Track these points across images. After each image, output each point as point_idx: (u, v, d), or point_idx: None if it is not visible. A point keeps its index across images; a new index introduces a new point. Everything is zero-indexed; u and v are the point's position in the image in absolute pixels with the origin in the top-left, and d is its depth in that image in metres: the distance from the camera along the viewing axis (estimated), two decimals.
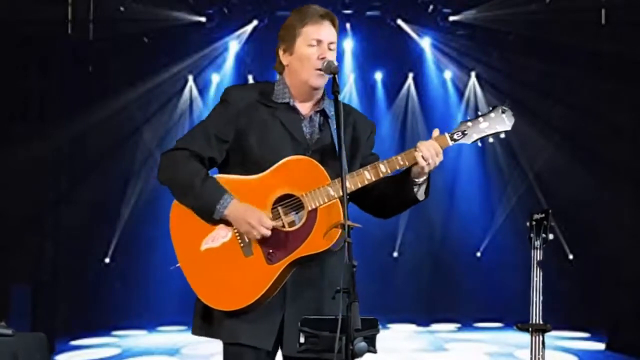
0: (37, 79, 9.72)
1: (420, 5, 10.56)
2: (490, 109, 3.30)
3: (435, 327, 11.38)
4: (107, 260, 11.36)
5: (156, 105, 11.33)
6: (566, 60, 10.54)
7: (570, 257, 11.27)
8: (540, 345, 3.49)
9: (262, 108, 3.32)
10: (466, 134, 3.24)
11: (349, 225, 2.98)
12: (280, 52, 3.41)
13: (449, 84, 11.81)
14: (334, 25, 3.35)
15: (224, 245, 3.23)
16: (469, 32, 10.90)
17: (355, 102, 11.41)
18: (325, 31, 3.32)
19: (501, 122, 3.27)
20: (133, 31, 10.32)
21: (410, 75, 11.84)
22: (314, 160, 3.21)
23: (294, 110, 3.34)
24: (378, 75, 11.84)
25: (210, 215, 3.20)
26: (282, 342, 3.24)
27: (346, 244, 2.91)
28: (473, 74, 11.54)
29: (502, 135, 3.29)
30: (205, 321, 3.29)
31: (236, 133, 3.29)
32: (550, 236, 3.58)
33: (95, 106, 10.54)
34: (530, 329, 3.50)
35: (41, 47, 9.69)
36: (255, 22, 10.71)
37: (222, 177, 3.29)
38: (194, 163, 3.26)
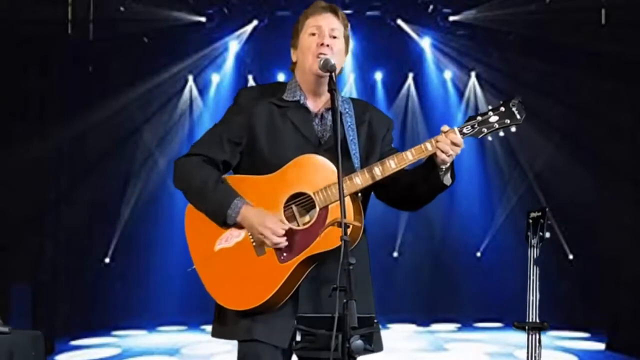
0: (37, 79, 9.71)
1: (420, 5, 10.56)
2: (501, 102, 3.28)
3: (435, 327, 11.38)
4: (107, 260, 11.37)
5: (156, 105, 11.34)
6: (566, 60, 10.53)
7: (570, 257, 11.28)
8: (537, 343, 3.50)
9: (274, 108, 3.33)
10: (476, 128, 3.21)
11: (346, 224, 2.96)
12: (292, 51, 3.42)
13: (449, 84, 11.82)
14: (337, 15, 3.35)
15: (237, 245, 3.24)
16: (469, 32, 10.90)
17: None
18: (325, 20, 3.33)
19: (512, 116, 3.24)
20: (133, 31, 10.32)
21: (410, 75, 11.86)
22: (325, 158, 3.20)
23: (305, 108, 3.34)
24: (378, 75, 11.86)
25: (224, 221, 3.23)
26: None
27: (342, 242, 2.90)
28: (473, 74, 11.55)
29: (513, 129, 3.25)
30: (221, 323, 3.31)
31: (248, 135, 3.30)
32: (547, 234, 3.58)
33: (95, 106, 10.54)
34: (527, 327, 3.51)
35: (41, 47, 9.68)
36: (255, 22, 10.71)
37: (234, 177, 3.31)
38: (207, 168, 3.28)
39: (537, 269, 3.55)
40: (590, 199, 10.38)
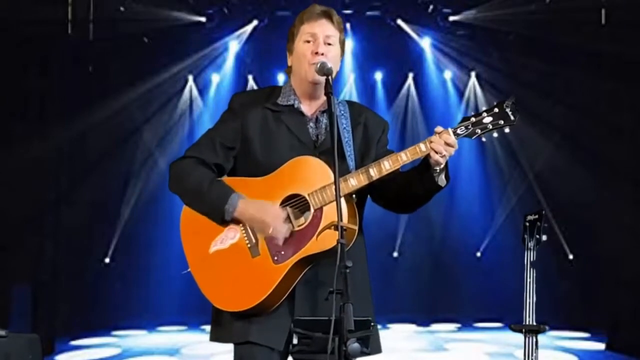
0: (37, 79, 9.71)
1: (420, 5, 10.56)
2: (495, 104, 3.28)
3: (435, 327, 11.38)
4: (107, 260, 11.36)
5: (156, 105, 11.33)
6: (566, 60, 10.53)
7: (570, 257, 11.27)
8: (534, 346, 3.50)
9: (268, 113, 3.34)
10: (470, 129, 3.20)
11: (342, 227, 2.95)
12: (288, 55, 3.43)
13: (449, 84, 11.82)
14: (332, 21, 3.34)
15: (232, 247, 3.25)
16: (469, 32, 10.90)
17: None
18: (320, 27, 3.32)
19: (505, 117, 3.22)
20: (133, 31, 10.31)
21: (410, 75, 11.85)
22: (319, 159, 3.21)
23: (299, 112, 3.34)
24: (378, 75, 11.85)
25: (222, 218, 3.23)
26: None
27: (339, 245, 2.89)
28: (473, 74, 11.55)
29: (507, 130, 3.24)
30: (218, 326, 3.32)
31: (242, 140, 3.32)
32: (544, 237, 3.58)
33: (95, 106, 10.54)
34: (523, 330, 3.51)
35: (41, 47, 9.68)
36: (255, 22, 10.71)
37: (229, 179, 3.33)
38: (202, 169, 3.30)
39: (534, 271, 3.56)
40: (590, 199, 10.37)
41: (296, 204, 3.21)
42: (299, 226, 3.19)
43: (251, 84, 11.31)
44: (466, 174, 12.02)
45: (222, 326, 3.29)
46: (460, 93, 11.74)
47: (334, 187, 3.09)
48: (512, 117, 3.22)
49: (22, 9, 9.08)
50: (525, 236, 3.60)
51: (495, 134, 3.25)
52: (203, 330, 10.08)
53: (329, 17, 3.35)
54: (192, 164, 3.31)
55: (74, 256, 10.60)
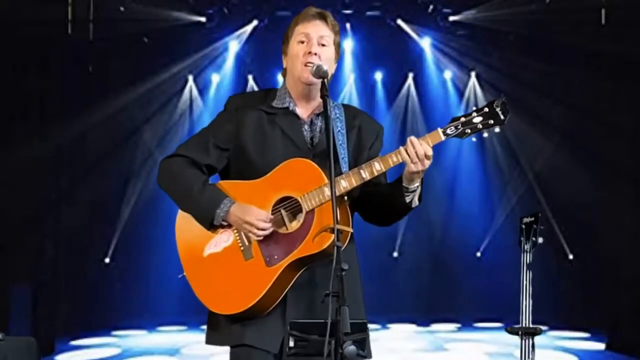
0: (37, 79, 9.70)
1: (420, 5, 10.56)
2: (485, 104, 3.28)
3: (435, 327, 11.38)
4: (107, 260, 11.37)
5: (156, 105, 11.34)
6: (566, 60, 10.53)
7: (570, 257, 11.28)
8: (531, 348, 3.50)
9: (263, 115, 3.33)
10: (459, 128, 3.19)
11: (338, 229, 2.95)
12: (283, 57, 3.42)
13: (449, 84, 11.82)
14: (326, 22, 3.34)
15: (225, 250, 3.25)
16: (469, 32, 10.90)
17: (355, 102, 11.41)
18: (314, 27, 3.32)
19: (495, 117, 3.20)
20: (133, 31, 10.31)
21: (410, 75, 11.86)
22: (311, 162, 3.20)
23: (294, 115, 3.34)
24: (378, 75, 11.86)
25: (211, 222, 3.23)
26: None
27: (335, 247, 2.88)
28: (473, 74, 11.55)
29: (497, 130, 3.23)
30: (213, 330, 3.32)
31: (236, 141, 3.31)
32: (540, 240, 3.57)
33: (95, 106, 10.54)
34: (520, 332, 3.51)
35: (41, 47, 9.67)
36: (255, 22, 10.71)
37: (221, 183, 3.33)
38: (193, 170, 3.29)
39: (530, 273, 3.55)
40: (590, 199, 10.38)
41: (289, 206, 3.20)
42: (291, 228, 3.19)
43: (251, 84, 11.32)
44: (466, 174, 12.03)
45: (217, 329, 3.30)
46: (460, 93, 11.74)
47: (326, 189, 3.11)
48: (502, 117, 3.21)
49: (22, 9, 9.07)
50: (522, 238, 3.60)
51: (485, 134, 3.24)
52: (203, 330, 10.00)
53: (323, 18, 3.34)
54: (183, 163, 3.30)
55: (74, 256, 10.60)
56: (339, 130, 3.31)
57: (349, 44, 11.20)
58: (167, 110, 11.48)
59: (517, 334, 3.52)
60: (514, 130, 11.21)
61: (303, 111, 3.36)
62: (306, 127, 3.34)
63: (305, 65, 3.26)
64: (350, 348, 2.81)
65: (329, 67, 3.28)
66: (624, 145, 9.78)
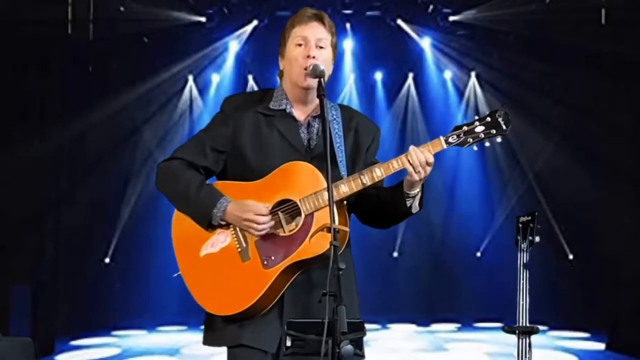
0: (37, 79, 9.70)
1: (420, 5, 10.55)
2: (488, 113, 3.28)
3: (435, 327, 11.38)
4: (107, 260, 11.37)
5: (156, 105, 11.34)
6: (566, 60, 10.54)
7: (570, 257, 11.28)
8: (527, 347, 3.50)
9: (259, 117, 3.32)
10: (461, 137, 3.20)
11: (335, 229, 2.94)
12: (280, 58, 3.41)
13: (449, 84, 11.82)
14: (323, 24, 3.32)
15: (222, 251, 3.24)
16: (469, 32, 10.90)
17: (355, 102, 11.42)
18: (312, 30, 3.30)
19: (497, 126, 3.22)
20: (133, 31, 10.31)
21: (410, 75, 11.86)
22: (311, 165, 3.20)
23: (291, 117, 3.33)
24: (378, 75, 11.86)
25: (209, 222, 3.22)
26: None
27: (332, 247, 2.88)
28: (473, 74, 11.55)
29: (499, 140, 3.25)
30: (210, 330, 3.31)
31: (232, 143, 3.30)
32: (537, 239, 3.58)
33: (95, 106, 10.55)
34: (517, 332, 3.51)
35: (41, 47, 9.68)
36: (255, 22, 10.71)
37: (219, 183, 3.32)
38: (190, 172, 3.28)
39: (527, 273, 3.56)
40: (590, 199, 10.38)
41: (287, 209, 3.19)
42: (289, 231, 3.18)
43: (251, 84, 11.32)
44: (466, 174, 12.03)
45: (214, 330, 3.29)
46: (460, 93, 11.75)
47: (325, 193, 3.10)
48: (504, 127, 3.23)
49: (22, 9, 9.07)
50: (518, 238, 3.60)
51: (487, 143, 3.25)
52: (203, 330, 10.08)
53: (320, 20, 3.32)
54: (181, 165, 3.29)
55: (74, 256, 10.60)
56: (336, 132, 3.30)
57: (349, 44, 11.20)
58: (167, 110, 11.48)
59: (514, 333, 3.52)
60: (514, 130, 11.06)
61: (300, 113, 3.35)
62: (303, 129, 3.32)
63: (304, 70, 3.25)
64: (347, 347, 2.81)
65: (327, 68, 3.27)
66: (624, 145, 9.78)
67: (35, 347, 4.23)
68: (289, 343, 2.97)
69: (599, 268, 10.37)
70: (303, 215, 3.16)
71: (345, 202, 3.21)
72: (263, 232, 3.16)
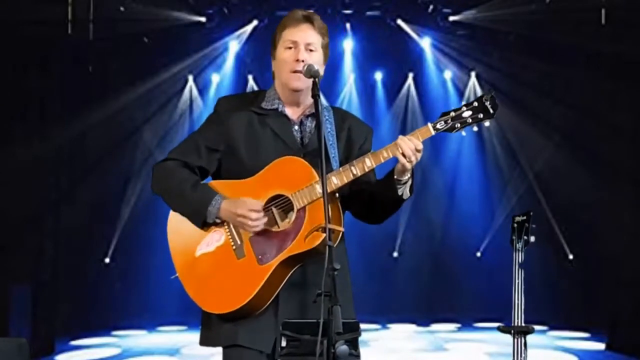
0: (37, 79, 9.70)
1: (420, 5, 10.55)
2: (475, 98, 3.29)
3: (435, 327, 11.38)
4: (107, 260, 11.38)
5: (156, 105, 11.35)
6: (566, 60, 10.54)
7: (570, 257, 11.28)
8: (523, 347, 3.50)
9: (253, 116, 3.35)
10: (449, 123, 3.23)
11: (330, 228, 2.95)
12: (272, 60, 3.42)
13: (449, 84, 11.82)
14: (313, 26, 3.32)
15: (217, 249, 3.25)
16: (469, 32, 10.90)
17: (355, 102, 11.42)
18: (301, 33, 3.31)
19: (485, 111, 3.24)
20: (133, 31, 10.31)
21: (410, 75, 11.87)
22: (302, 160, 3.22)
23: (284, 115, 3.35)
24: (378, 75, 11.86)
25: (203, 220, 3.24)
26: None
27: (327, 248, 2.89)
28: (473, 74, 11.55)
29: (487, 124, 3.27)
30: (206, 330, 3.33)
31: (226, 143, 3.32)
32: (532, 238, 3.58)
33: (95, 106, 10.55)
34: (512, 331, 3.51)
35: (41, 47, 9.68)
36: (255, 22, 10.72)
37: (214, 182, 3.34)
38: (185, 171, 3.31)
39: (523, 272, 3.56)
40: (590, 199, 10.38)
41: (280, 204, 3.22)
42: (283, 226, 3.19)
43: (251, 84, 11.33)
44: (466, 174, 12.03)
45: (210, 330, 3.30)
46: (460, 93, 11.75)
47: (317, 186, 3.13)
48: (491, 111, 3.25)
49: (22, 9, 9.07)
50: (514, 237, 3.61)
51: (475, 128, 3.26)
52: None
53: (310, 22, 3.33)
54: (175, 166, 3.32)
55: (74, 256, 10.60)
56: (329, 132, 3.33)
57: (349, 44, 11.21)
58: (167, 110, 11.49)
59: (509, 332, 3.52)
60: (514, 130, 11.22)
61: (292, 112, 3.37)
62: (296, 127, 3.35)
63: (293, 73, 3.27)
64: (343, 348, 2.82)
65: (318, 70, 3.28)
66: (624, 145, 9.78)
67: (31, 348, 4.23)
68: (284, 343, 2.99)
69: (599, 268, 10.37)
70: (296, 210, 3.17)
71: (337, 194, 3.23)
72: (257, 228, 3.18)
